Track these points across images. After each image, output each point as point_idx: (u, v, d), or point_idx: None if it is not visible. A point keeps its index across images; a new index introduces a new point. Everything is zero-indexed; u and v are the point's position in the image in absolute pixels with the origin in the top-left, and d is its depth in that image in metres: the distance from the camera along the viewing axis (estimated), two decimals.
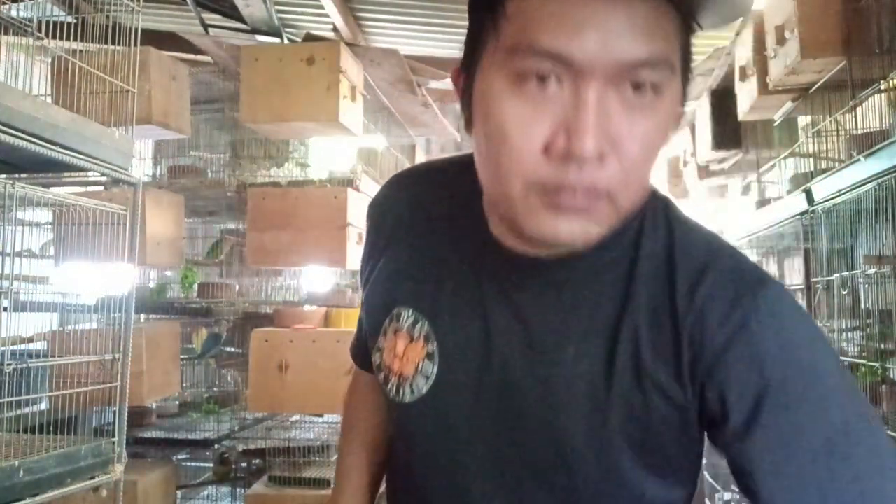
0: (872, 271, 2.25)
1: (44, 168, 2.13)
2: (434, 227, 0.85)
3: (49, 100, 2.13)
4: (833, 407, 0.66)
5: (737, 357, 0.67)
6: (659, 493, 0.74)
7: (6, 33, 1.96)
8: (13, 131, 1.68)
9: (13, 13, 2.04)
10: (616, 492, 0.73)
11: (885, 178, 2.05)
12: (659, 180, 5.16)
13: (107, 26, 2.16)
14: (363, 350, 0.97)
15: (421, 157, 4.44)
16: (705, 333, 0.68)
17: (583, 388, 0.72)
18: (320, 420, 3.11)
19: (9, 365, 1.78)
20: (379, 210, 0.93)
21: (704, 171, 4.45)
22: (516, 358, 0.75)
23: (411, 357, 0.81)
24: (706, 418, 0.70)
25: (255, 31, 4.17)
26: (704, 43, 4.11)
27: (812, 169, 2.91)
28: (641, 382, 0.70)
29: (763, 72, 2.83)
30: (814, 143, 2.88)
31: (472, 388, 0.77)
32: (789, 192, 2.97)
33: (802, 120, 3.27)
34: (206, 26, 4.13)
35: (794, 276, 3.78)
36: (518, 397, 0.75)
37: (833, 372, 0.68)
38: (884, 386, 2.22)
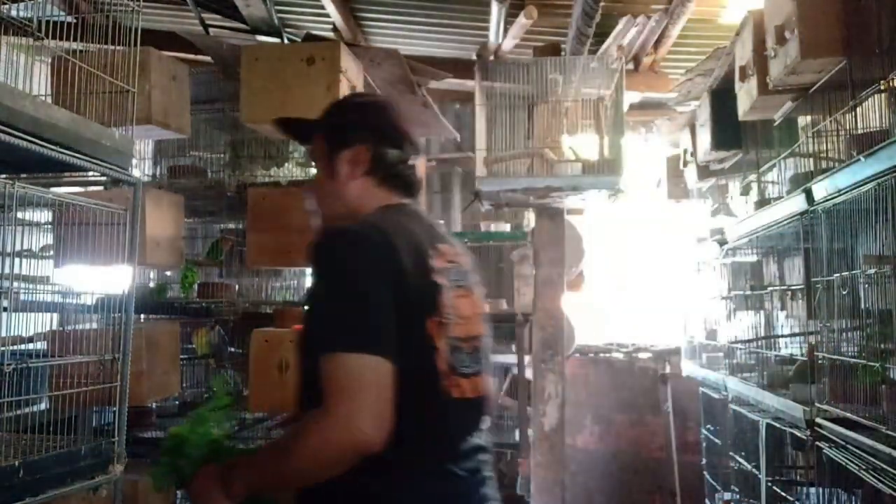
0: (872, 271, 2.25)
1: (44, 168, 2.14)
2: None
3: (49, 100, 2.12)
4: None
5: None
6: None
7: (6, 33, 1.96)
8: (13, 131, 1.68)
9: (13, 13, 2.03)
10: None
11: (885, 178, 2.05)
12: (659, 179, 5.16)
13: (107, 26, 2.16)
14: None
15: (420, 157, 4.42)
16: None
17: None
18: None
19: (9, 365, 1.78)
20: None
21: (704, 171, 4.44)
22: None
23: None
24: None
25: (255, 31, 4.18)
26: (705, 43, 4.12)
27: (812, 169, 2.91)
28: None
29: (763, 72, 2.82)
30: (814, 143, 2.88)
31: None
32: (789, 192, 2.97)
33: (802, 120, 3.27)
34: (206, 26, 4.14)
35: (794, 276, 3.78)
36: None
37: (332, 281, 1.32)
38: (884, 386, 2.22)
